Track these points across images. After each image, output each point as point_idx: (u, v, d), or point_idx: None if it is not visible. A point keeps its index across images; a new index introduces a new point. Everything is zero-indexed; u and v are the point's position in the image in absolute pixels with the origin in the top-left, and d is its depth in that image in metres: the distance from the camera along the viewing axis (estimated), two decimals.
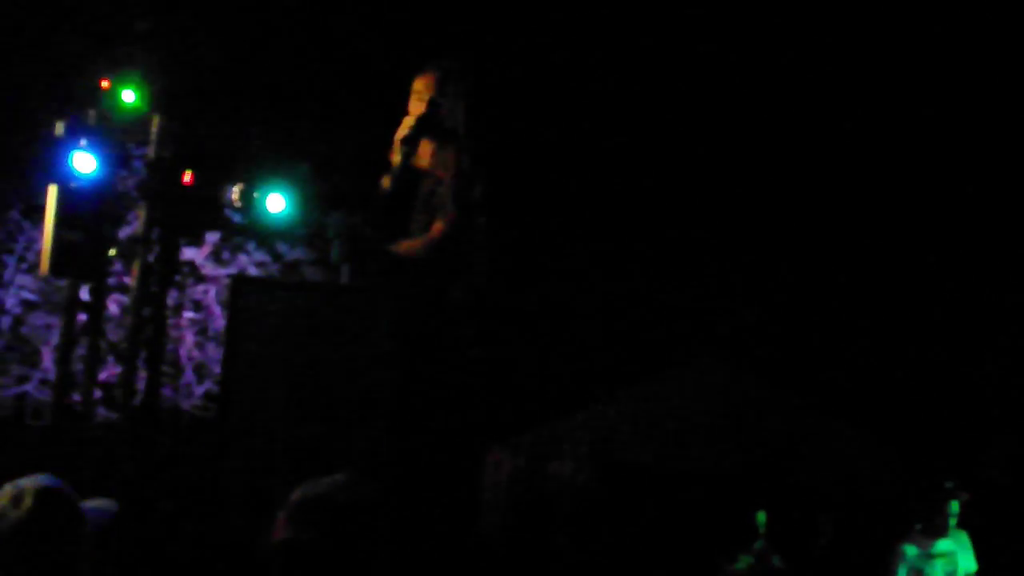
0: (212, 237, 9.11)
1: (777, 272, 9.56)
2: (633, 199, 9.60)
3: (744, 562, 8.56)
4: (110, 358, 8.07)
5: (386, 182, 5.45)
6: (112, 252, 7.53)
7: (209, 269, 9.22)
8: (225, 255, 9.21)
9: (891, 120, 9.03)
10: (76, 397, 7.57)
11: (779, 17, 8.59)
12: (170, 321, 9.01)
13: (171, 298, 8.91)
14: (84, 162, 7.12)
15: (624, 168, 9.71)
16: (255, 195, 7.61)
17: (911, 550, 6.18)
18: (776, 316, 9.50)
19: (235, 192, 7.71)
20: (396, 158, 5.32)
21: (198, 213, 7.77)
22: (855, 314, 9.39)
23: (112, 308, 8.69)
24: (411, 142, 5.26)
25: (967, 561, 6.35)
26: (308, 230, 8.85)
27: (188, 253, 9.10)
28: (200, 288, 9.22)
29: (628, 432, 9.96)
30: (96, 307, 7.62)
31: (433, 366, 7.09)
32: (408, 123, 5.29)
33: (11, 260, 8.55)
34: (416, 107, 5.42)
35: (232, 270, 9.23)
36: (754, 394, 9.70)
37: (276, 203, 7.83)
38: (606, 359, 9.41)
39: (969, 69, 8.71)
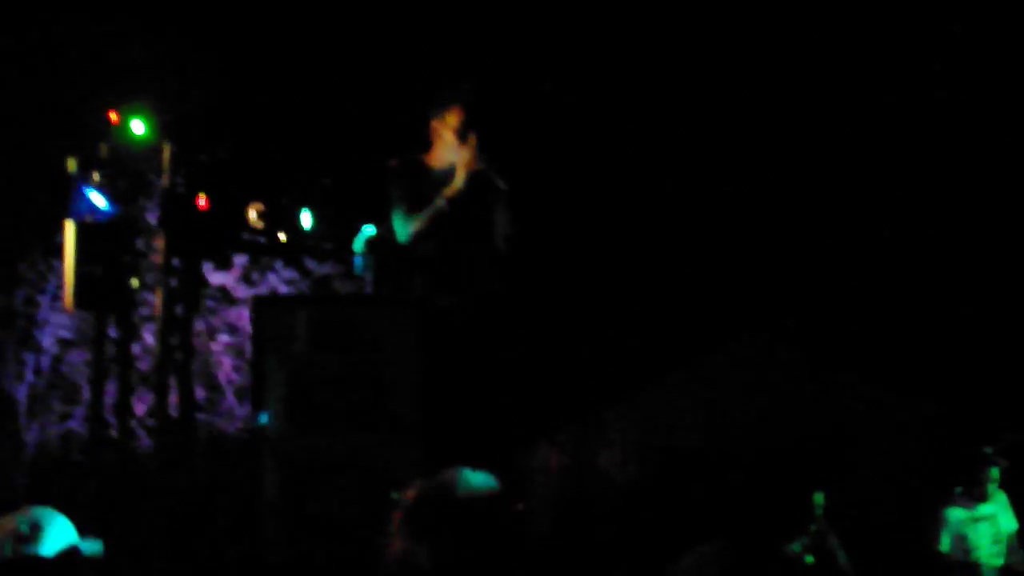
0: (240, 260, 9.17)
1: (812, 246, 9.40)
2: (665, 179, 9.46)
3: (801, 544, 8.45)
4: (144, 388, 8.14)
5: (421, 223, 5.45)
6: (135, 283, 7.58)
7: (241, 292, 9.27)
8: (254, 276, 9.25)
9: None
10: (113, 430, 7.66)
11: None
12: (206, 346, 9.11)
13: (204, 323, 9.02)
14: (99, 196, 7.22)
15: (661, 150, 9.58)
16: (275, 214, 7.65)
17: (955, 514, 6.10)
18: (812, 289, 9.34)
19: (253, 212, 7.76)
20: (438, 203, 5.36)
21: (217, 236, 7.82)
22: (892, 281, 9.22)
23: (148, 339, 8.76)
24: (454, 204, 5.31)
25: (1008, 521, 6.25)
26: (334, 244, 8.87)
27: (218, 278, 9.17)
28: (233, 311, 9.26)
29: (676, 417, 9.88)
30: (124, 338, 7.69)
31: (460, 367, 7.05)
32: (453, 190, 5.33)
33: (44, 299, 8.65)
34: (442, 147, 5.44)
35: (262, 290, 9.26)
36: (798, 371, 9.59)
37: (296, 220, 7.87)
38: (642, 344, 9.30)
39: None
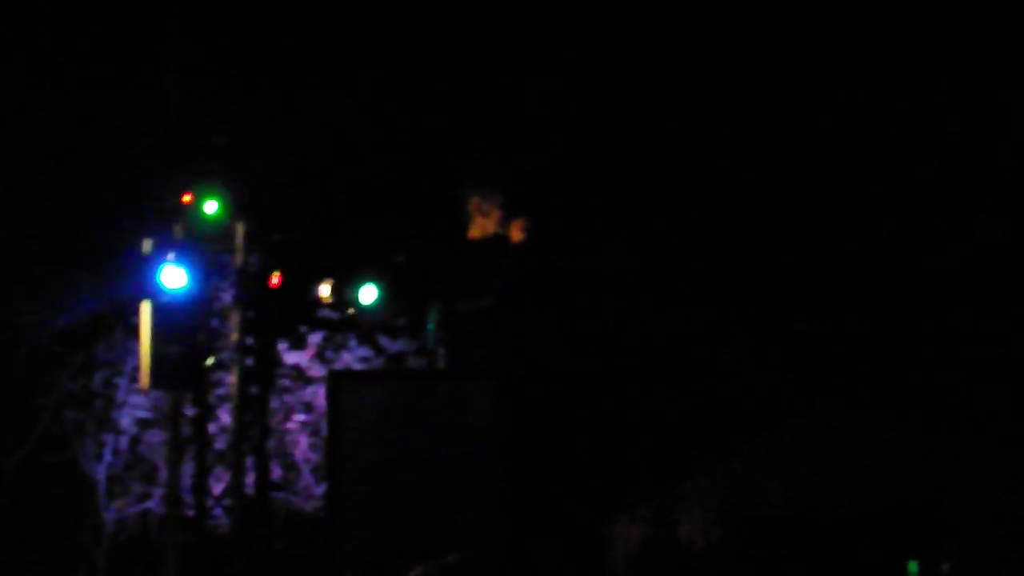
0: (315, 338, 9.19)
1: (875, 303, 9.25)
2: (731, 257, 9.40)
3: None
4: (220, 467, 8.14)
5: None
6: (210, 362, 7.63)
7: (316, 371, 9.27)
8: (329, 354, 9.26)
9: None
10: (189, 508, 7.67)
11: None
12: (282, 425, 9.13)
13: (279, 402, 9.04)
14: (173, 276, 7.28)
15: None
16: (347, 290, 7.69)
17: None
18: (884, 347, 9.17)
19: (325, 289, 7.80)
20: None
21: (290, 314, 7.87)
22: (965, 330, 9.01)
23: (224, 418, 8.79)
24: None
25: None
26: (406, 320, 8.88)
27: (293, 357, 9.20)
28: (309, 390, 9.26)
29: (758, 484, 9.69)
30: (200, 417, 7.73)
31: (539, 439, 6.97)
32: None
33: (123, 381, 8.72)
34: (480, 225, 5.45)
35: (337, 368, 9.26)
36: (880, 432, 9.37)
37: (369, 295, 7.89)
38: (718, 413, 9.17)
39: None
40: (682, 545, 9.65)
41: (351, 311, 7.71)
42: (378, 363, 9.33)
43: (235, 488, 7.32)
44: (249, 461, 7.63)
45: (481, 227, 5.45)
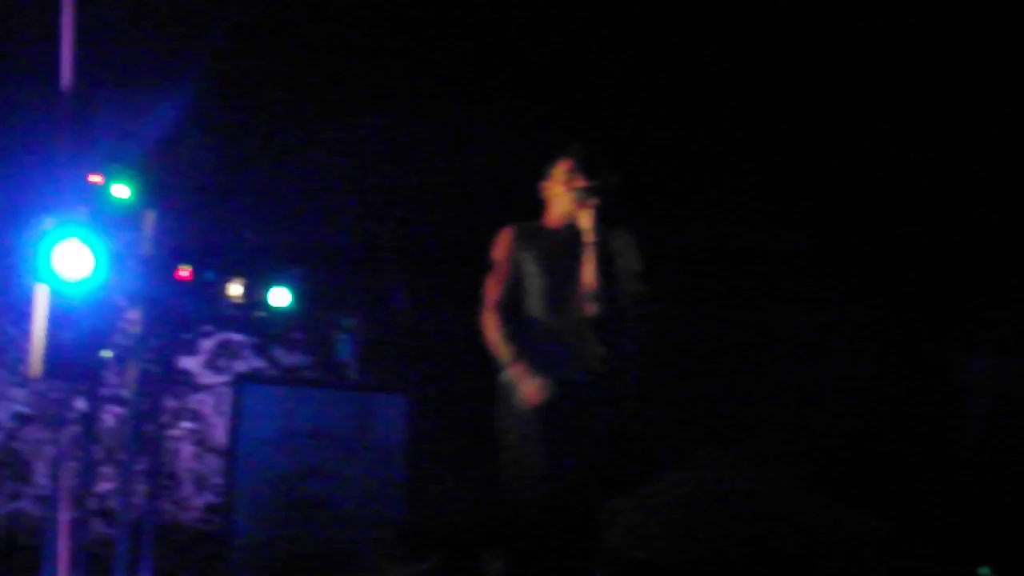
0: (208, 343, 8.75)
1: None
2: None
3: None
4: (107, 471, 7.62)
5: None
6: (108, 354, 7.14)
7: (206, 377, 8.82)
8: (221, 362, 8.81)
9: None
10: (71, 513, 7.12)
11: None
12: (165, 432, 8.63)
13: (167, 407, 8.56)
14: (75, 260, 6.80)
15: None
16: (259, 291, 7.31)
17: None
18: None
19: (237, 288, 7.40)
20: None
21: (197, 312, 7.44)
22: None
23: (108, 420, 8.28)
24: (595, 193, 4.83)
25: None
26: (308, 333, 8.53)
27: (184, 362, 8.74)
28: (197, 397, 8.80)
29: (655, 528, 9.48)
30: (91, 415, 7.22)
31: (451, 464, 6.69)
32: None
33: (2, 372, 8.15)
34: (557, 205, 5.06)
35: (227, 378, 8.82)
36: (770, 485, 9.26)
37: (280, 298, 7.52)
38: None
39: None
40: None
41: (261, 314, 7.31)
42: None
43: (124, 495, 6.83)
44: (137, 468, 7.15)
45: (554, 213, 5.07)
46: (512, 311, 5.03)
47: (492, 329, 4.91)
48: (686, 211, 8.78)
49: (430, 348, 7.58)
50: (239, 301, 7.19)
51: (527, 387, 4.77)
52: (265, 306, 7.41)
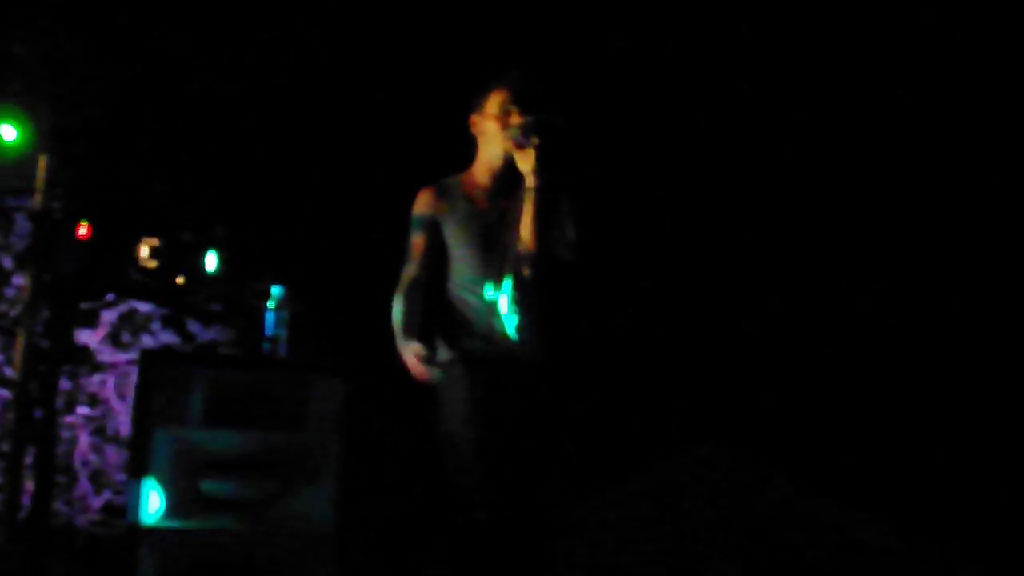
0: (109, 316, 7.71)
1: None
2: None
3: None
4: None
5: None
6: None
7: (106, 355, 7.76)
8: (125, 337, 7.77)
9: None
10: None
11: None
12: (61, 419, 7.61)
13: (61, 389, 7.52)
14: None
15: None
16: (175, 254, 6.31)
17: None
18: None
19: (146, 249, 6.37)
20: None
21: (98, 276, 6.42)
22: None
23: None
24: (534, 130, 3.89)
25: None
26: (229, 304, 7.54)
27: (80, 336, 7.70)
28: (96, 378, 7.74)
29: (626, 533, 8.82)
30: None
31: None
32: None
33: None
34: (486, 146, 4.12)
35: (132, 355, 7.79)
36: (756, 480, 8.64)
37: (207, 263, 6.52)
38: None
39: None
40: None
41: (179, 280, 6.29)
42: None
43: (9, 492, 5.79)
44: (27, 461, 6.12)
45: (483, 157, 4.07)
46: (437, 286, 4.07)
47: (395, 313, 4.00)
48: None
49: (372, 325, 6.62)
50: (149, 265, 6.20)
51: (409, 358, 3.95)
52: (183, 271, 6.41)
